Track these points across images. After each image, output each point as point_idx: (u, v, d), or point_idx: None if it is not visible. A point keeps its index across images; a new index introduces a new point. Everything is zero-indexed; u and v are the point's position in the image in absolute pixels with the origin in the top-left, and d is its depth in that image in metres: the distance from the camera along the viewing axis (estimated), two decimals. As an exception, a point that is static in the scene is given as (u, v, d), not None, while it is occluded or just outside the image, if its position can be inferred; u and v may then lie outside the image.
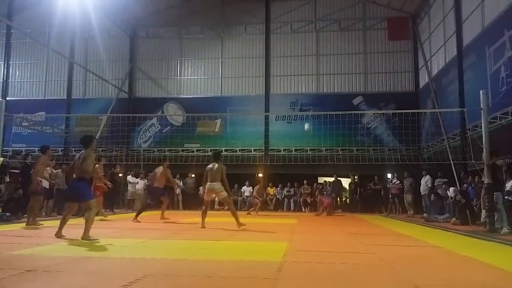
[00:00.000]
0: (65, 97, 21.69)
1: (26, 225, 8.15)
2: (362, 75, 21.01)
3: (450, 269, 4.26)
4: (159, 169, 10.43)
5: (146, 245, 5.67)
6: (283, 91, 21.28)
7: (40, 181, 8.67)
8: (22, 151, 15.09)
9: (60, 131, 20.61)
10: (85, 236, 5.93)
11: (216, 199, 17.88)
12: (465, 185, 12.64)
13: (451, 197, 12.27)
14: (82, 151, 6.40)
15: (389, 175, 17.17)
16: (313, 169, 17.83)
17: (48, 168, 9.91)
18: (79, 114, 21.59)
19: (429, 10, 19.13)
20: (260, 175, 18.36)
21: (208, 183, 8.19)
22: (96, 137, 19.88)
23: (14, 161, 11.45)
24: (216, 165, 8.25)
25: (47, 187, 10.29)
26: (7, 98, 19.17)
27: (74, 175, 6.35)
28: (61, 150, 20.19)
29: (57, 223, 6.62)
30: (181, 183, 17.41)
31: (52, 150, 9.79)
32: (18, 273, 3.62)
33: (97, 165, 10.10)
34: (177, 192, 17.30)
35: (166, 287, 3.39)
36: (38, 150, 8.67)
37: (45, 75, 22.98)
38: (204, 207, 8.52)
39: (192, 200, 17.72)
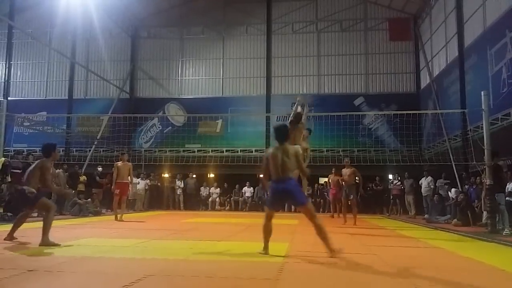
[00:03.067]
0: (67, 97, 21.72)
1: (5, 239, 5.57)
2: (364, 76, 21.00)
3: (451, 270, 4.25)
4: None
5: (146, 246, 5.66)
6: (284, 92, 21.27)
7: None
8: (23, 151, 15.07)
9: (61, 131, 20.63)
10: (332, 252, 4.63)
11: (217, 199, 18.01)
12: (466, 186, 12.62)
13: (452, 198, 12.26)
14: (276, 148, 4.84)
15: (390, 176, 17.16)
16: (314, 170, 17.81)
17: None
18: (81, 114, 21.64)
19: (431, 11, 19.10)
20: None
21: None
22: (97, 138, 19.93)
23: (16, 161, 11.43)
24: None
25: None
26: (9, 98, 19.14)
27: (271, 176, 4.83)
28: (63, 150, 20.19)
29: (57, 223, 6.55)
30: (182, 184, 17.47)
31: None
32: (20, 272, 3.62)
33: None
34: (178, 193, 17.32)
35: (167, 287, 3.39)
36: (39, 150, 6.42)
37: (47, 75, 23.03)
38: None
39: (193, 200, 17.74)
